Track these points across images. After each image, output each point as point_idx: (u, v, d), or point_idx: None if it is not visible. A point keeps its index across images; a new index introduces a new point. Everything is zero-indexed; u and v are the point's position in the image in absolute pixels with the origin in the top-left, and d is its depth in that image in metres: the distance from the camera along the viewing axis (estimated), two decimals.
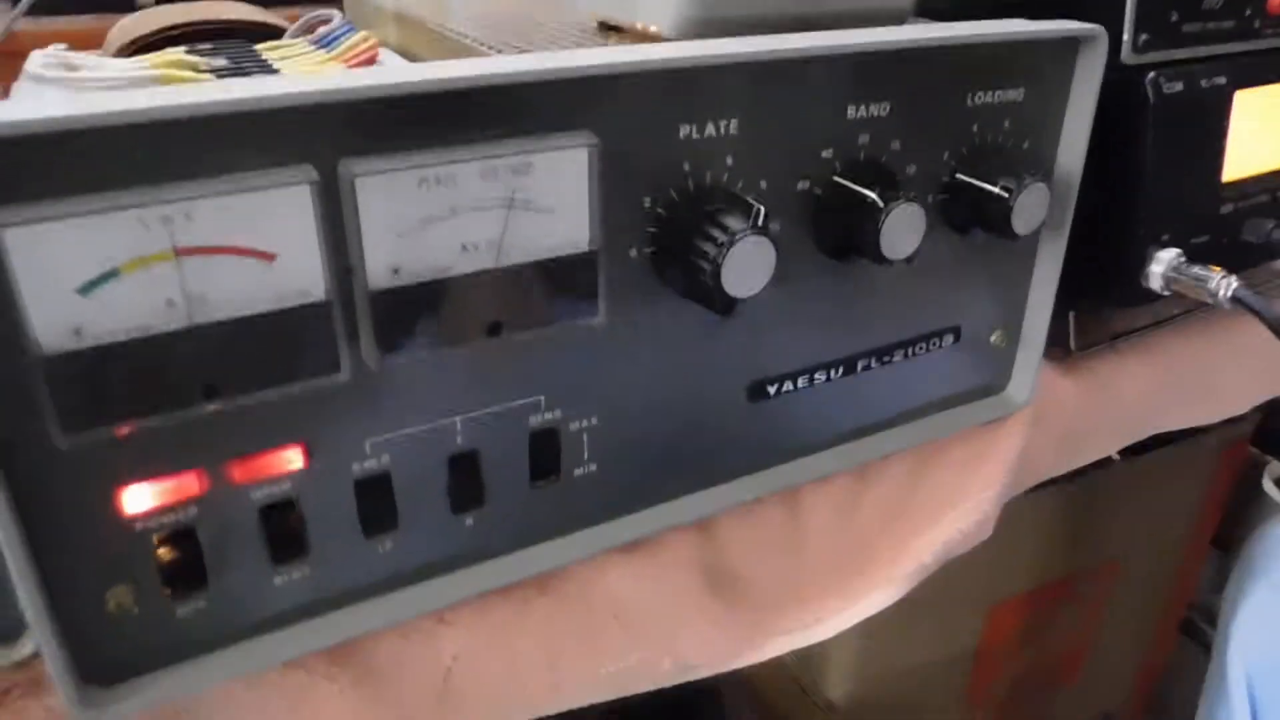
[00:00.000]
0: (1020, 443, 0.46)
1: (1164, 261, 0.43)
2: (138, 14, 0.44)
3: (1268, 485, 1.07)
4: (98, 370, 0.24)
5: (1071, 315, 0.49)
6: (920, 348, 0.42)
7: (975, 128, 0.38)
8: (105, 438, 0.26)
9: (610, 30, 0.40)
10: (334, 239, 0.26)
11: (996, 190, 0.36)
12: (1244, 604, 0.61)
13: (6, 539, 0.26)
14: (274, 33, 0.41)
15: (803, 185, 0.34)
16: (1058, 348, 0.50)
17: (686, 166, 0.32)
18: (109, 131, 0.23)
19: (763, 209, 0.31)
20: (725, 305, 0.31)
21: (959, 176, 0.37)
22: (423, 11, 0.46)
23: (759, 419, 0.38)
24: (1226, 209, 0.46)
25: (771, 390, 0.38)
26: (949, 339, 0.42)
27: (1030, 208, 0.37)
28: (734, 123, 0.32)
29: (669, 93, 0.30)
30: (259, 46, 0.37)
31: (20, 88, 0.32)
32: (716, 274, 0.30)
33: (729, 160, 0.32)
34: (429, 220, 0.27)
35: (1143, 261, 0.44)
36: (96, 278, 0.24)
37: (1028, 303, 0.44)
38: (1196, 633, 1.12)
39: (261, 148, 0.25)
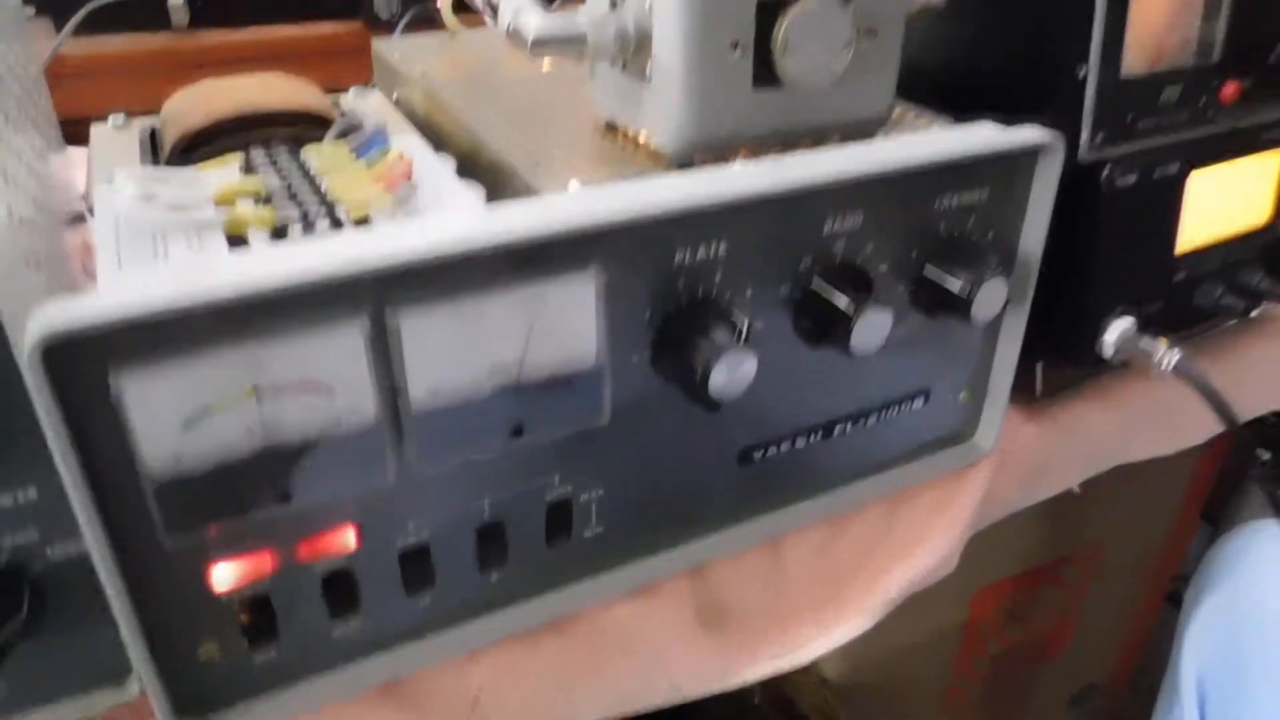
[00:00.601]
0: (985, 485, 0.51)
1: (1117, 331, 0.48)
2: (188, 93, 0.49)
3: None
4: (195, 487, 0.30)
5: (1039, 366, 0.53)
6: (893, 410, 0.47)
7: (942, 225, 0.42)
8: (200, 536, 0.32)
9: (614, 132, 0.44)
10: (382, 372, 0.32)
11: (956, 290, 0.40)
12: (1199, 609, 0.67)
13: (120, 607, 0.32)
14: (319, 121, 0.46)
15: (784, 290, 0.39)
16: (1024, 393, 0.54)
17: (681, 284, 0.36)
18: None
19: (746, 323, 0.36)
20: (712, 405, 0.36)
21: (926, 271, 0.42)
22: (447, 94, 0.50)
23: (746, 479, 0.44)
24: (1179, 278, 0.50)
25: (758, 456, 0.43)
26: (919, 401, 0.47)
27: (988, 299, 0.41)
28: (723, 245, 0.37)
29: (667, 228, 0.35)
30: (306, 153, 0.42)
31: (105, 217, 0.36)
32: (705, 381, 0.35)
33: (718, 276, 0.37)
34: (461, 349, 0.33)
35: (1097, 331, 0.48)
36: (193, 416, 0.29)
37: (993, 366, 0.48)
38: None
39: (323, 299, 0.30)
